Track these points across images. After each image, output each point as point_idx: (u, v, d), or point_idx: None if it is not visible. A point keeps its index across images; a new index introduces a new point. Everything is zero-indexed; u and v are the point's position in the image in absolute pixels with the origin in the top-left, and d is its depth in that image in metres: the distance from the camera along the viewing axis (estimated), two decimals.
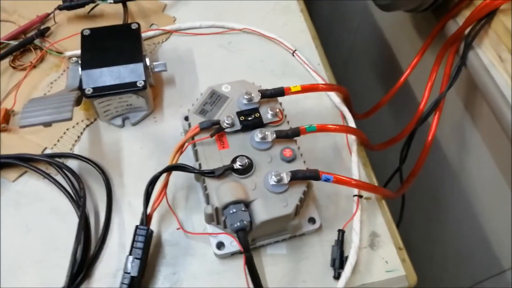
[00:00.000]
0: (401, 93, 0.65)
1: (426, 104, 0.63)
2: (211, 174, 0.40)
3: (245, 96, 0.44)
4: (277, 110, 0.44)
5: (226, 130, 0.43)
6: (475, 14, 0.57)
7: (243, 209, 0.39)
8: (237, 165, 0.40)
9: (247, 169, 0.41)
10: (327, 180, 0.40)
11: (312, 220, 0.44)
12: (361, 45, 1.08)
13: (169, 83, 0.54)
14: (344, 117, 0.52)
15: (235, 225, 0.38)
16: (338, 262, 0.42)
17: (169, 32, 0.59)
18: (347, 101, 0.55)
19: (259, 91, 0.45)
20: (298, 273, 0.42)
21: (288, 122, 0.45)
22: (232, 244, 0.42)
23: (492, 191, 0.62)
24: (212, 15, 0.61)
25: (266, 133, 0.42)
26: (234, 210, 0.39)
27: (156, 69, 0.51)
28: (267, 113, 0.44)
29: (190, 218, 0.45)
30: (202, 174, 0.41)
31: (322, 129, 0.44)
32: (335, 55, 1.35)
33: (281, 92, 0.45)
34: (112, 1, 0.57)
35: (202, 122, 0.43)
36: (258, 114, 0.44)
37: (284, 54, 0.57)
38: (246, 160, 0.41)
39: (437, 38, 0.64)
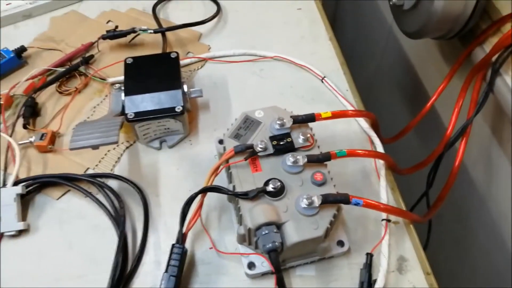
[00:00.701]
0: (428, 119, 0.66)
1: (454, 129, 0.64)
2: (245, 196, 0.42)
3: (278, 122, 0.47)
4: (308, 135, 0.46)
5: (260, 154, 0.45)
6: (503, 41, 0.58)
7: (275, 230, 0.40)
8: (269, 187, 0.42)
9: (279, 192, 0.42)
10: (357, 204, 0.41)
11: (340, 243, 0.45)
12: (386, 70, 1.09)
13: (204, 108, 0.57)
14: (372, 142, 0.54)
15: (267, 246, 0.40)
16: (367, 285, 0.43)
17: (204, 60, 0.62)
18: (375, 126, 0.56)
19: (291, 116, 0.47)
20: None
21: (318, 146, 0.46)
22: (263, 264, 0.44)
23: None
24: (244, 43, 0.64)
25: (298, 157, 0.44)
26: (267, 232, 0.40)
27: (192, 95, 0.54)
28: (298, 138, 0.46)
29: (223, 238, 0.47)
30: (236, 196, 0.43)
31: (352, 154, 0.45)
32: (359, 80, 1.37)
33: (312, 118, 0.47)
34: (152, 31, 0.61)
35: (237, 146, 0.45)
36: (290, 138, 0.46)
37: (314, 81, 0.60)
38: (279, 183, 0.42)
39: (464, 65, 0.65)
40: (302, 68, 0.61)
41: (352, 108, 0.56)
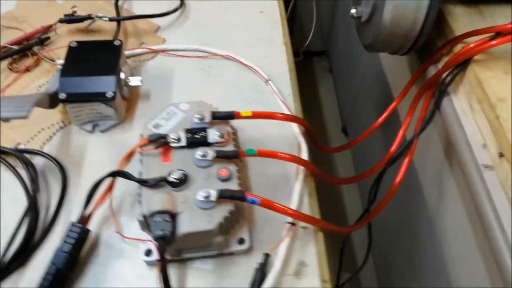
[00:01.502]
0: (389, 134, 0.66)
1: (399, 146, 0.63)
2: (145, 183, 0.43)
3: (197, 116, 0.47)
4: (225, 131, 0.47)
5: (172, 144, 0.46)
6: (452, 60, 0.58)
7: (167, 219, 0.41)
8: (171, 177, 0.43)
9: (181, 183, 0.43)
10: (253, 202, 0.42)
11: (241, 241, 0.46)
12: (366, 86, 1.09)
13: (145, 98, 0.58)
14: (300, 148, 0.54)
15: (156, 233, 0.40)
16: (257, 284, 0.43)
17: (156, 52, 0.63)
18: (309, 133, 0.56)
19: (211, 112, 0.48)
20: None
21: (235, 144, 0.47)
22: None
23: (461, 243, 0.61)
24: (200, 40, 0.65)
25: (208, 151, 0.45)
26: (159, 219, 0.41)
27: (131, 83, 0.56)
28: (214, 134, 0.46)
29: (132, 224, 0.48)
30: (138, 182, 0.43)
31: (262, 154, 0.45)
32: (347, 93, 1.37)
33: (231, 115, 0.48)
34: (107, 19, 0.62)
35: (151, 135, 0.46)
36: (205, 133, 0.46)
37: (259, 83, 0.60)
38: (181, 174, 0.43)
39: (419, 82, 0.65)
40: (250, 69, 0.61)
41: (289, 113, 0.56)
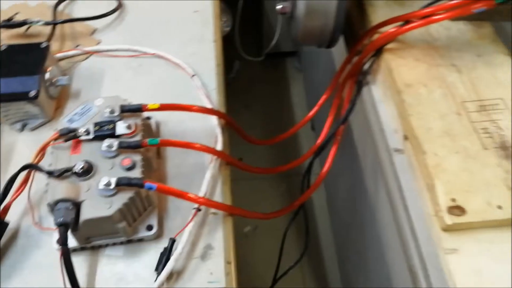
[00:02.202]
0: None
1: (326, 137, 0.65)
2: (51, 173, 0.45)
3: (107, 109, 0.50)
4: (133, 124, 0.49)
5: (81, 137, 0.48)
6: (368, 50, 0.60)
7: (70, 207, 0.43)
8: (76, 168, 0.45)
9: (85, 173, 0.45)
10: (150, 188, 0.44)
11: (150, 228, 0.48)
12: (325, 82, 1.11)
13: (75, 97, 0.61)
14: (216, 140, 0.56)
15: (57, 220, 0.42)
16: (161, 268, 0.45)
17: (89, 53, 0.65)
18: (231, 125, 0.59)
19: (120, 105, 0.50)
20: (126, 275, 0.46)
21: (143, 135, 0.49)
22: (71, 240, 0.47)
23: (390, 228, 0.62)
24: (134, 40, 0.67)
25: (113, 143, 0.47)
26: (61, 207, 0.43)
27: (59, 83, 0.58)
28: (122, 126, 0.49)
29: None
30: (46, 173, 0.46)
31: (165, 143, 0.48)
32: (312, 93, 1.39)
33: (139, 108, 0.50)
34: (42, 23, 0.65)
35: (62, 129, 0.48)
36: (113, 125, 0.49)
37: (185, 79, 0.62)
38: (85, 165, 0.45)
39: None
40: (177, 66, 0.64)
41: (210, 106, 0.59)
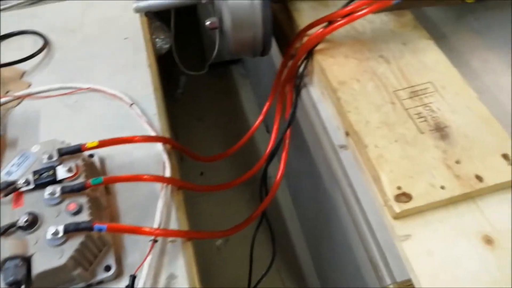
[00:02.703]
0: None
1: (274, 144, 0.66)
2: None
3: (45, 155, 0.48)
4: (73, 166, 0.48)
5: (21, 189, 0.46)
6: (300, 53, 0.61)
7: (19, 264, 0.42)
8: (20, 222, 0.44)
9: (31, 225, 0.44)
10: (100, 230, 0.43)
11: (107, 268, 0.47)
12: (267, 84, 1.13)
13: (12, 147, 0.59)
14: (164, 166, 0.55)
15: (8, 280, 0.41)
16: None
17: (21, 98, 0.63)
18: (177, 148, 0.58)
19: (57, 149, 0.49)
20: None
21: (86, 176, 0.48)
22: None
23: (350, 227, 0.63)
24: (67, 77, 0.66)
25: (56, 189, 0.46)
26: (9, 266, 0.41)
27: None
28: (63, 170, 0.47)
29: None
30: None
31: (109, 181, 0.47)
32: (261, 98, 1.41)
33: (78, 149, 0.49)
34: None
35: (0, 183, 0.46)
36: (53, 171, 0.47)
37: (124, 108, 0.62)
38: (29, 217, 0.44)
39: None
40: (114, 97, 0.63)
41: (154, 133, 0.58)
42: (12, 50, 0.70)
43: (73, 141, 0.56)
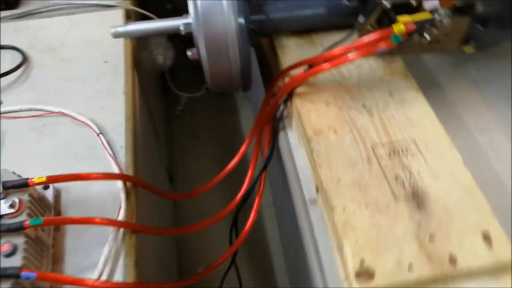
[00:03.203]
0: None
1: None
2: None
3: None
4: (16, 201, 0.45)
5: None
6: (280, 94, 0.58)
7: None
8: None
9: None
10: (28, 278, 0.40)
11: None
12: None
13: None
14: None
15: None
16: None
17: None
18: (142, 186, 0.55)
19: (3, 182, 0.46)
20: None
21: (29, 213, 0.45)
22: None
23: None
24: (40, 98, 0.63)
25: None
26: None
27: None
28: (4, 206, 0.44)
29: None
30: None
31: (51, 222, 0.43)
32: None
33: (24, 183, 0.46)
34: None
35: None
36: None
37: (91, 137, 0.58)
38: None
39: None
40: (83, 124, 0.60)
41: (116, 168, 0.55)
42: None
43: (34, 167, 0.54)
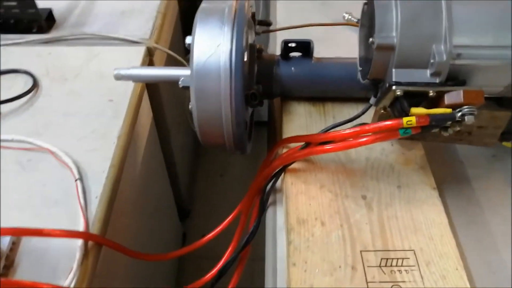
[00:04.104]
0: None
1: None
2: None
3: None
4: None
5: None
6: (272, 167, 0.51)
7: None
8: None
9: None
10: None
11: None
12: None
13: None
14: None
15: None
16: None
17: None
18: (108, 245, 0.50)
19: None
20: None
21: None
22: None
23: None
24: (36, 129, 0.61)
25: None
26: None
27: None
28: None
29: None
30: None
31: None
32: None
33: None
34: None
35: None
36: None
37: (70, 181, 0.55)
38: None
39: None
40: (65, 166, 0.57)
41: (82, 221, 0.51)
42: (4, 87, 0.68)
43: (5, 204, 0.52)
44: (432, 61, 0.38)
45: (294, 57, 0.55)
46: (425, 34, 0.38)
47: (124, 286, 0.68)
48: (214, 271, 0.54)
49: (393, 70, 0.40)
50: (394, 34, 0.39)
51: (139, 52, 0.74)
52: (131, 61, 0.72)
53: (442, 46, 0.38)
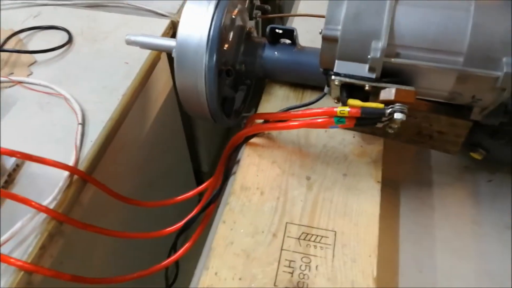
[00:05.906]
0: None
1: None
2: None
3: None
4: None
5: None
6: (239, 136, 0.56)
7: None
8: None
9: None
10: None
11: None
12: None
13: None
14: None
15: None
16: None
17: (14, 83, 0.70)
18: (93, 182, 0.58)
19: None
20: None
21: None
22: None
23: None
24: (60, 78, 0.71)
25: None
26: None
27: None
28: None
29: None
30: None
31: None
32: None
33: None
34: None
35: None
36: None
37: (74, 125, 0.64)
38: None
39: None
40: (73, 111, 0.65)
41: (73, 158, 0.59)
42: (43, 40, 0.78)
43: (18, 134, 0.62)
44: (369, 56, 0.41)
45: (282, 43, 0.59)
46: (365, 31, 0.41)
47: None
48: (181, 223, 0.61)
49: (336, 61, 0.43)
50: (339, 27, 0.42)
51: (164, 24, 0.81)
52: (154, 32, 0.79)
53: (380, 43, 0.40)
